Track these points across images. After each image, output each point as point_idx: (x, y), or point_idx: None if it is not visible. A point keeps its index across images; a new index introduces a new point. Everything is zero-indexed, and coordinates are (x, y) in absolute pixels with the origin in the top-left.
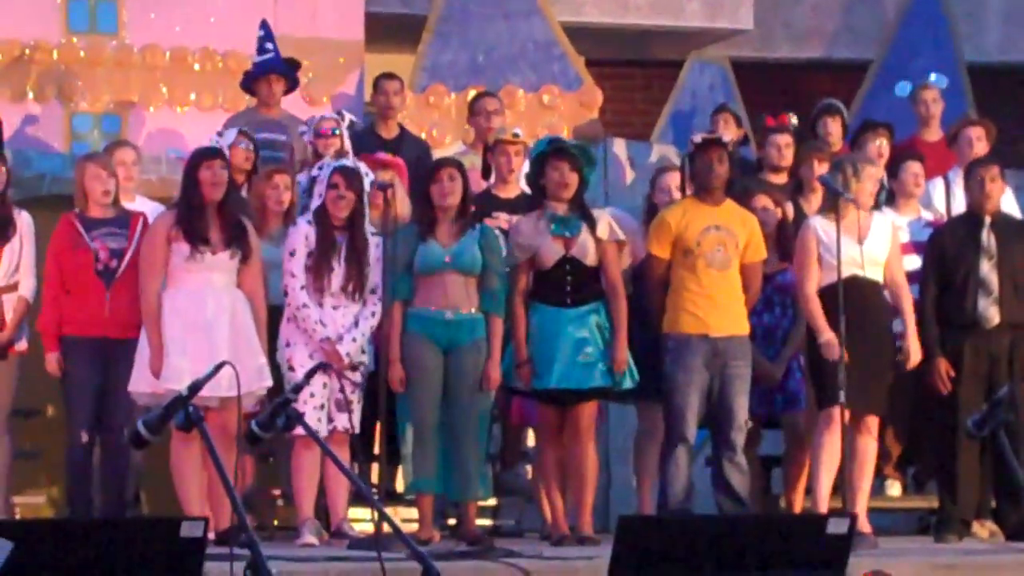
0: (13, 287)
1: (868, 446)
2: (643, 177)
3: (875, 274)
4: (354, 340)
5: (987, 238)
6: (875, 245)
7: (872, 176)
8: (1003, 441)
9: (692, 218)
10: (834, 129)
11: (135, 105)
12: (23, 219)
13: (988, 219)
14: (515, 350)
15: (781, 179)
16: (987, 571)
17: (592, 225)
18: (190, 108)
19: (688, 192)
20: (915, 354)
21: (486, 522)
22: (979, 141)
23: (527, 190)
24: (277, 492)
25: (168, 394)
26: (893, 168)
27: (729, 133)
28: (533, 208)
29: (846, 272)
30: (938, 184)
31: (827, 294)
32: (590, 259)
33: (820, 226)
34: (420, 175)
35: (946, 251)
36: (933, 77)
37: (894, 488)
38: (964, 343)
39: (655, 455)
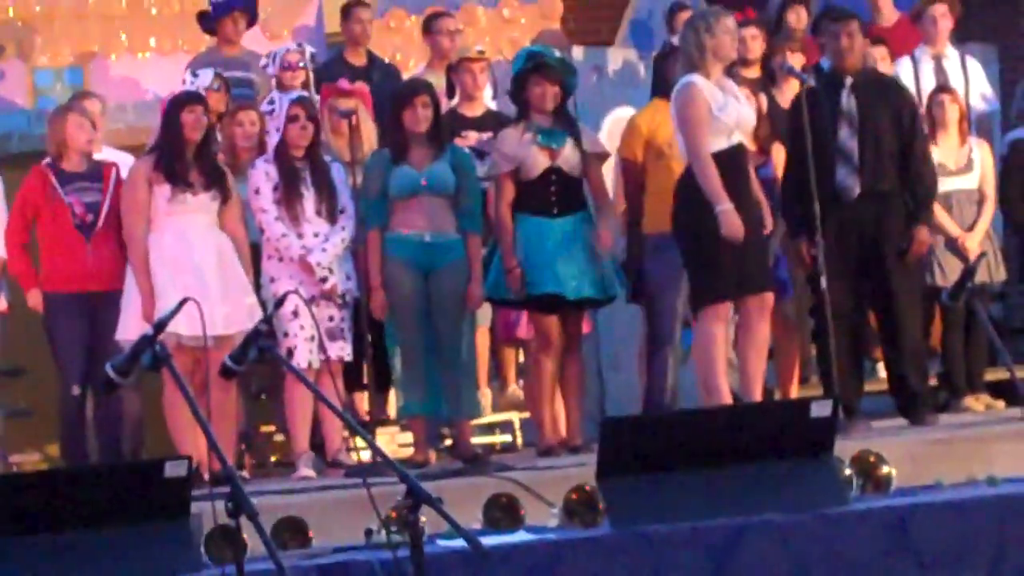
0: None
1: (765, 329)
2: (608, 82)
3: (747, 142)
4: (324, 251)
5: (847, 101)
6: (749, 108)
7: (730, 28)
8: (979, 309)
9: (663, 119)
10: (803, 16)
11: (96, 55)
12: None
13: (849, 80)
14: (503, 257)
15: (752, 72)
16: (981, 443)
17: (577, 137)
18: (151, 54)
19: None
20: (770, 224)
21: (485, 440)
22: (943, 17)
23: (493, 107)
24: (272, 428)
25: (166, 337)
26: None
27: None
28: (505, 124)
29: (734, 139)
30: (904, 63)
31: (718, 163)
32: (575, 170)
33: (704, 85)
34: (391, 100)
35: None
36: None
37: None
38: (827, 217)
39: None
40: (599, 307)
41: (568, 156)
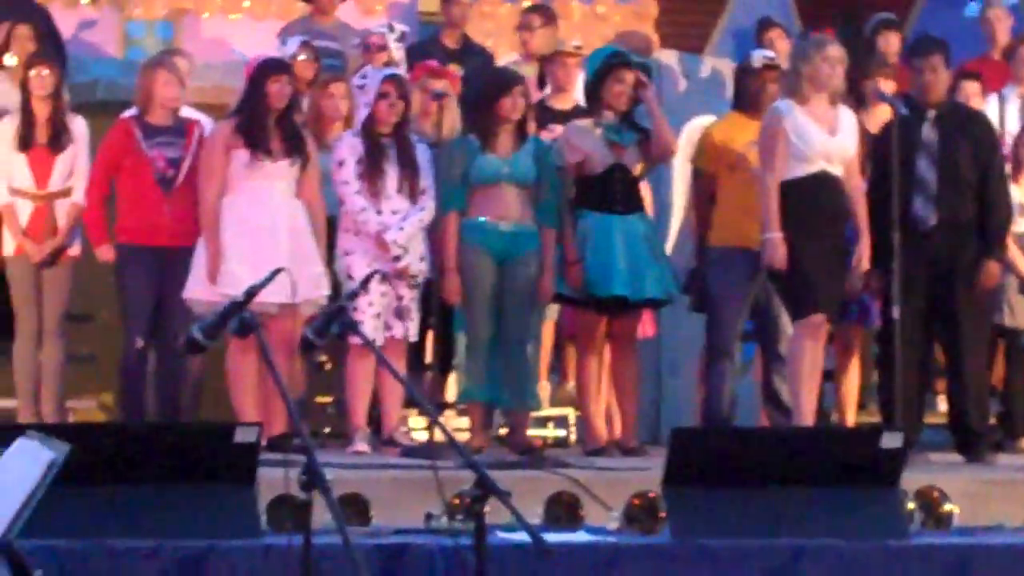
0: (67, 192)
1: (819, 352)
2: (696, 89)
3: (839, 172)
4: (401, 229)
5: (928, 133)
6: (846, 139)
7: (830, 57)
8: None
9: (737, 132)
10: (893, 42)
11: (189, 12)
12: (78, 124)
13: (932, 113)
14: (566, 249)
15: None
16: None
17: (645, 138)
18: (243, 15)
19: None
20: (867, 259)
21: (538, 433)
22: None
23: (583, 102)
24: (329, 399)
25: (224, 300)
26: (952, 87)
27: (783, 48)
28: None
29: (815, 167)
30: (991, 101)
31: (796, 188)
32: (637, 170)
33: (788, 112)
34: (485, 86)
35: (887, 149)
36: None
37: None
38: (901, 247)
39: None
40: (658, 308)
41: (633, 154)
